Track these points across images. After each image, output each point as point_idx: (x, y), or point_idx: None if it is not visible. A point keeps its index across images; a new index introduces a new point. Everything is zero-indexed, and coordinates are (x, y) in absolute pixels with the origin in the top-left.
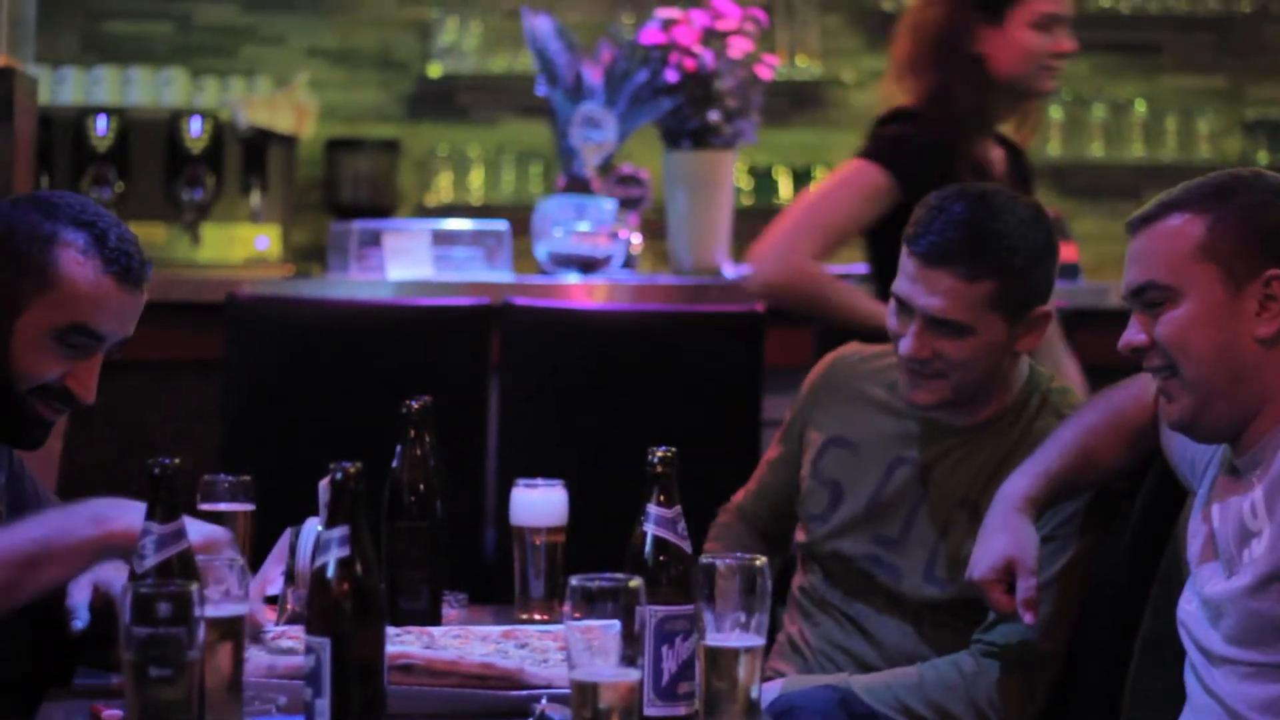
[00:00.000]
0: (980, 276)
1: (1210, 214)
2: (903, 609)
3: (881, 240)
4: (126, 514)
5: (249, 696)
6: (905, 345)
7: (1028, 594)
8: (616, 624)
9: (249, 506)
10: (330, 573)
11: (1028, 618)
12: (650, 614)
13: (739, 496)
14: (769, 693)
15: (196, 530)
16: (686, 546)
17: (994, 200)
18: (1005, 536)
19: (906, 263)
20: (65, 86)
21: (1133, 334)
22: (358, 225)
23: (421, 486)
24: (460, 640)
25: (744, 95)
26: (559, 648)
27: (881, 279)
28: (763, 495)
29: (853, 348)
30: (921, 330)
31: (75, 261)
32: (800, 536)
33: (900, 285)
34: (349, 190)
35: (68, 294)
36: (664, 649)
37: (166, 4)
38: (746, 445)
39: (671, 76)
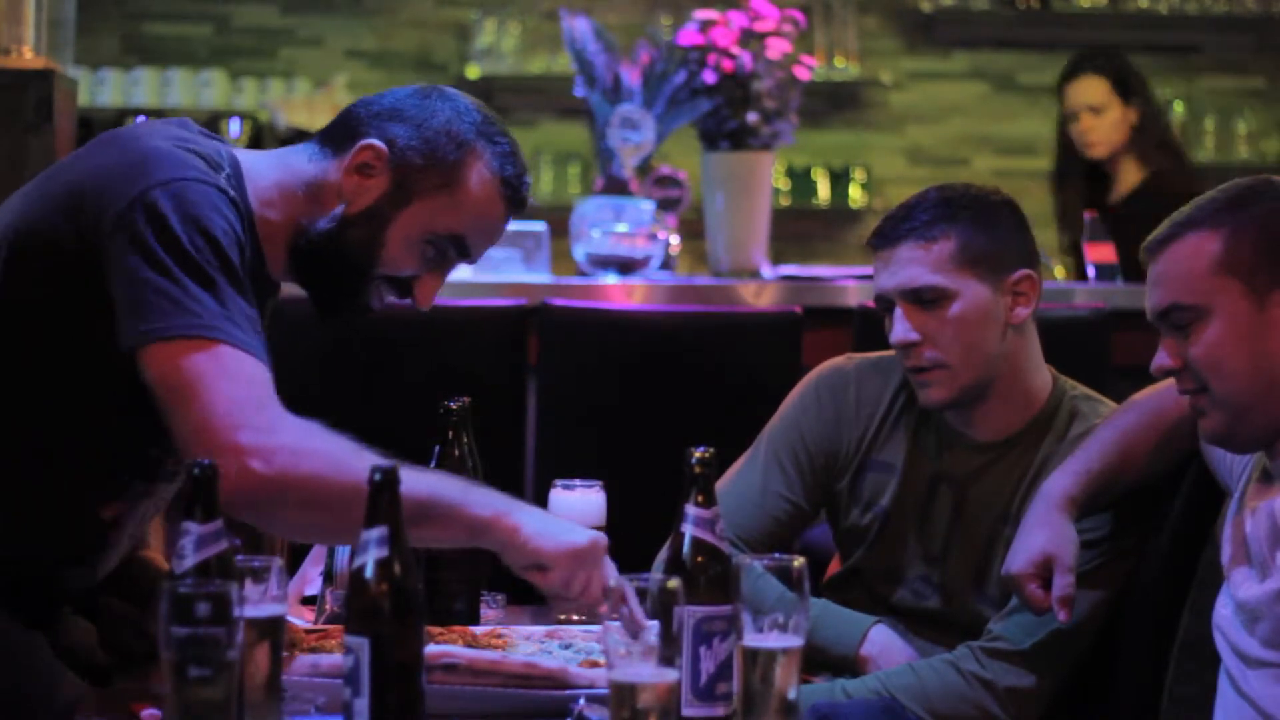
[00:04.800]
0: (937, 235)
1: (1225, 228)
2: (951, 629)
3: None
4: (522, 515)
5: (288, 696)
6: (895, 333)
7: (1064, 591)
8: (655, 624)
9: None
10: (369, 573)
11: (1062, 615)
12: (688, 614)
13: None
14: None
15: (583, 534)
16: (725, 547)
17: (941, 184)
18: (1045, 532)
19: (876, 264)
20: (105, 88)
21: (1163, 359)
22: None
23: None
24: (503, 640)
25: (782, 96)
26: (602, 649)
27: None
28: (760, 520)
29: (850, 362)
30: (904, 313)
31: (482, 176)
32: (842, 559)
33: (875, 285)
34: None
35: (463, 203)
36: (702, 649)
37: (205, 6)
38: None
39: (709, 78)
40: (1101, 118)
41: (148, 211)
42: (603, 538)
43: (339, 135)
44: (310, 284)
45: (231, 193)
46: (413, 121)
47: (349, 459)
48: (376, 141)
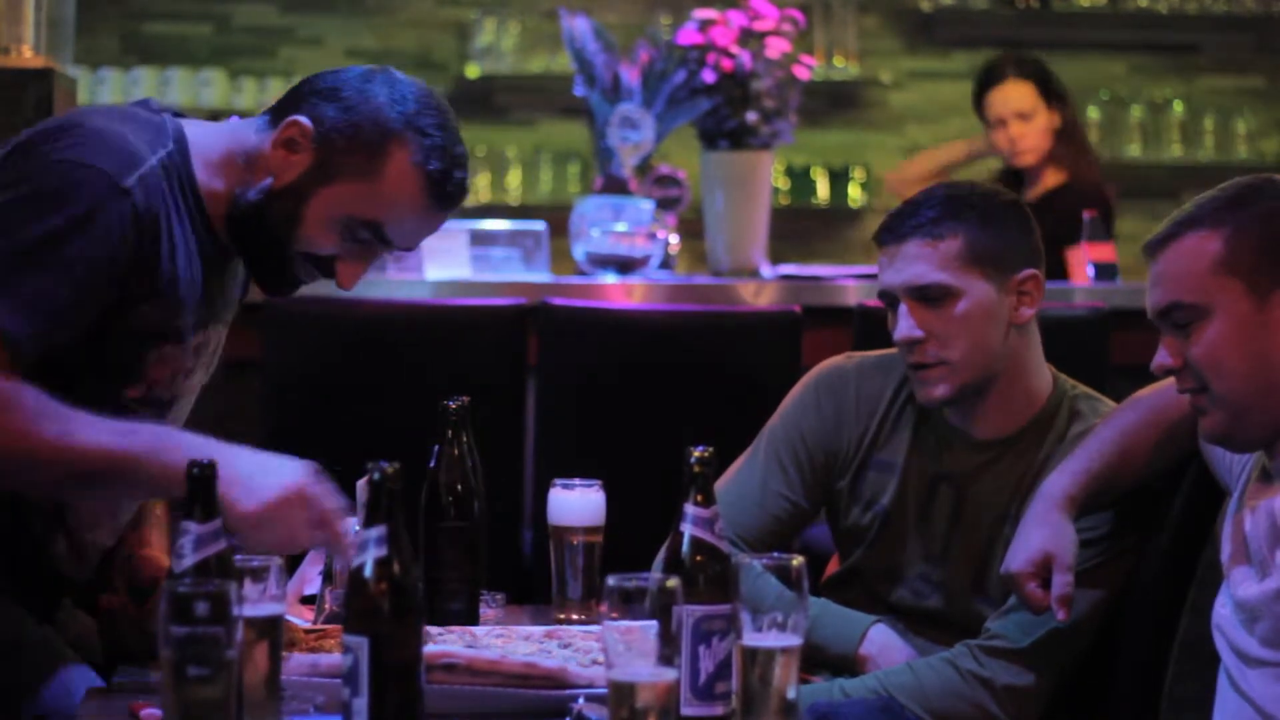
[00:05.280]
0: (944, 234)
1: (1226, 228)
2: (951, 629)
3: None
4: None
5: (287, 696)
6: (899, 330)
7: (1063, 590)
8: (654, 624)
9: None
10: (368, 572)
11: (1061, 614)
12: (687, 614)
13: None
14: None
15: (270, 490)
16: (724, 546)
17: (949, 181)
18: (1044, 531)
19: (881, 259)
20: (104, 87)
21: (1163, 357)
22: None
23: (459, 487)
24: (503, 640)
25: (781, 96)
26: (602, 648)
27: None
28: (760, 519)
29: (850, 361)
30: (909, 310)
31: (404, 167)
32: (841, 558)
33: (880, 280)
34: None
35: (381, 191)
36: (701, 649)
37: (205, 5)
38: None
39: (709, 77)
40: (1031, 124)
41: (20, 171)
42: (298, 487)
43: (282, 109)
44: (240, 254)
45: (127, 182)
46: (345, 103)
47: (97, 430)
48: (303, 119)
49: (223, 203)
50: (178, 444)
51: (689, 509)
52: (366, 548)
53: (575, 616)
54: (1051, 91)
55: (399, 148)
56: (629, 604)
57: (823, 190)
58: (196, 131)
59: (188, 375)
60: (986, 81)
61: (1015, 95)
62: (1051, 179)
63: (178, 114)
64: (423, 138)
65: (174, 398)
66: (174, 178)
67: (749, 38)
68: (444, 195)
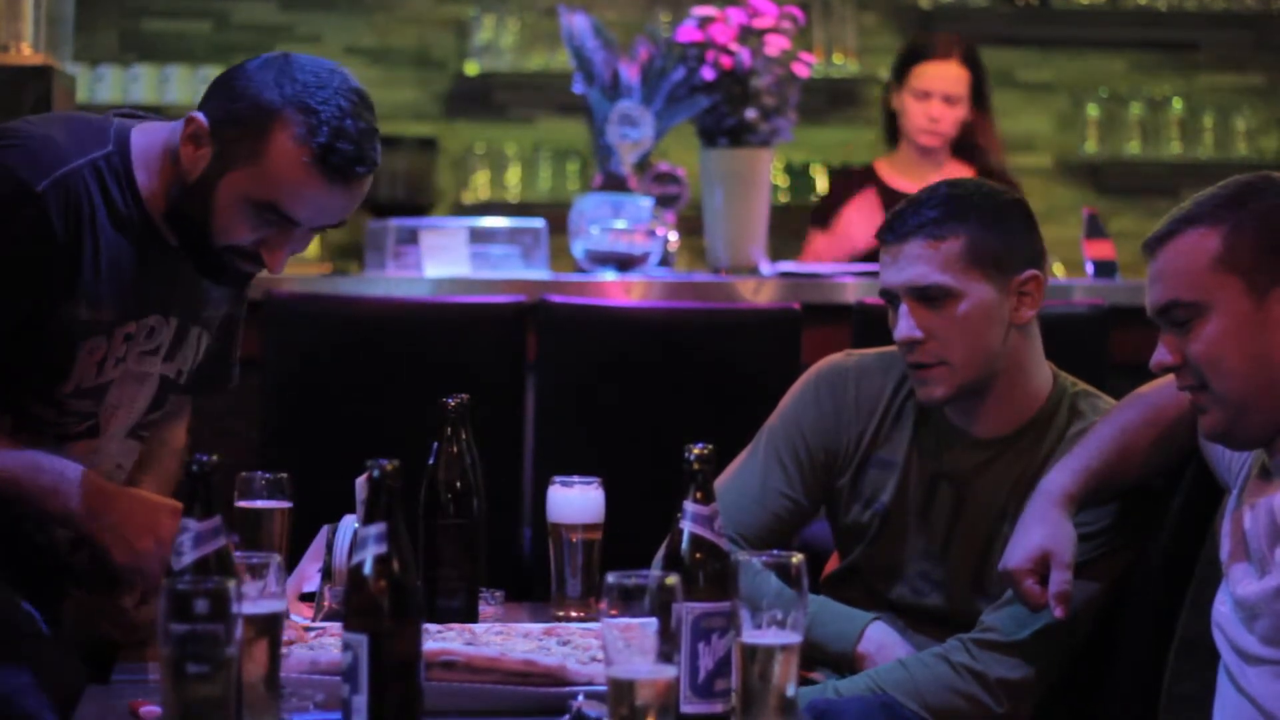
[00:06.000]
0: (946, 234)
1: (1224, 225)
2: (950, 626)
3: None
4: (85, 498)
5: (286, 693)
6: (899, 330)
7: (1061, 587)
8: (653, 621)
9: (286, 504)
10: (367, 570)
11: (1058, 611)
12: (687, 611)
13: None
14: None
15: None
16: (723, 544)
17: (951, 179)
18: (1043, 529)
19: (883, 258)
20: (103, 85)
21: (1162, 355)
22: (395, 223)
23: (458, 484)
24: (502, 637)
25: (781, 93)
26: (601, 645)
27: None
28: (760, 517)
29: (850, 359)
30: (909, 310)
31: (286, 145)
32: (841, 556)
33: (881, 278)
34: (386, 188)
35: (270, 173)
36: (700, 646)
37: (204, 2)
38: None
39: (708, 74)
40: (952, 110)
41: None
42: (160, 531)
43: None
44: (181, 250)
45: (40, 186)
46: (234, 93)
47: None
48: (199, 114)
49: (161, 201)
50: (55, 487)
51: (688, 506)
52: (366, 545)
53: (574, 614)
54: (980, 90)
55: (280, 127)
56: (628, 601)
57: (822, 188)
58: (141, 134)
59: (118, 362)
60: (926, 51)
61: (953, 77)
62: (954, 172)
63: (138, 115)
64: (306, 115)
65: (107, 383)
66: (109, 178)
67: (748, 35)
68: (332, 168)
